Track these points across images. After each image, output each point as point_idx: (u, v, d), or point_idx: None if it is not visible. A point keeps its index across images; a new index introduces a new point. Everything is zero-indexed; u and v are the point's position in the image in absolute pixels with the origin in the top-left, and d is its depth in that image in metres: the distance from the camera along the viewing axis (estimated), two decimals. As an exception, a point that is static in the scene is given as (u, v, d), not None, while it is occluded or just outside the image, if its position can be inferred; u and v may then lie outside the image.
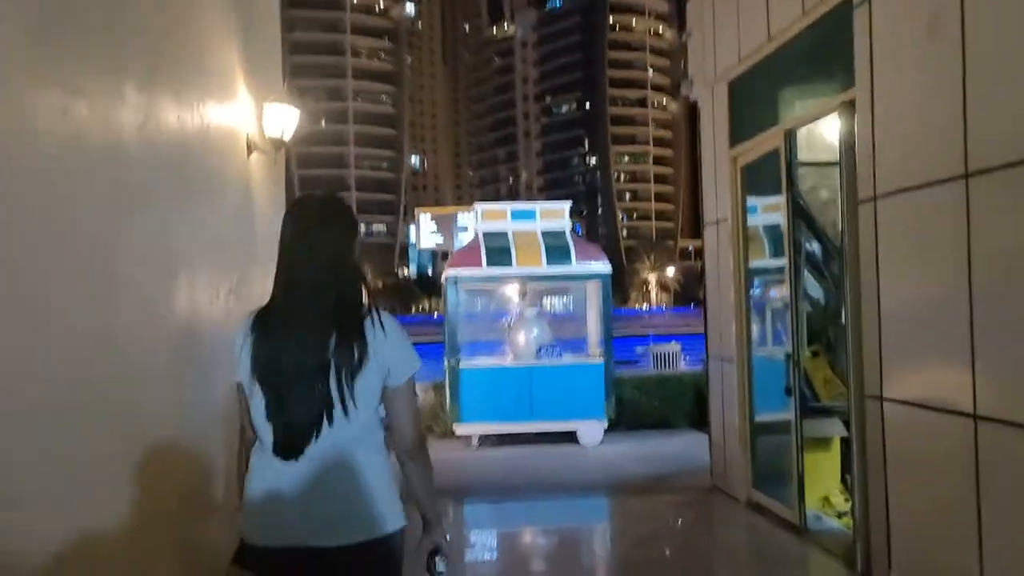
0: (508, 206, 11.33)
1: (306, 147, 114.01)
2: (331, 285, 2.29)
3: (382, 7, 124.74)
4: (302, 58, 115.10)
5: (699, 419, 11.13)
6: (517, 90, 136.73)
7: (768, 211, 6.73)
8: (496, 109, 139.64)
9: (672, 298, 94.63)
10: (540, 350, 10.65)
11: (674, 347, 18.83)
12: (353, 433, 2.27)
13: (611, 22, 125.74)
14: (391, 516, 2.33)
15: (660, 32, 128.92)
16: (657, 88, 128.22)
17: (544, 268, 10.57)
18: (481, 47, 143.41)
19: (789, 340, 5.94)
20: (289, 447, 2.26)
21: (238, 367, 2.34)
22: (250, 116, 5.75)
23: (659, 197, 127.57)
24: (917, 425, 4.28)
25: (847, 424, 5.43)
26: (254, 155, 5.79)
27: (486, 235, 10.79)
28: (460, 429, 10.35)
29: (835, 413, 5.88)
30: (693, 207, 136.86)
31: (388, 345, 2.29)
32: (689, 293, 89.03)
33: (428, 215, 28.05)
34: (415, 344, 2.42)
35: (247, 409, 2.35)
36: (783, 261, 6.04)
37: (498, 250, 10.54)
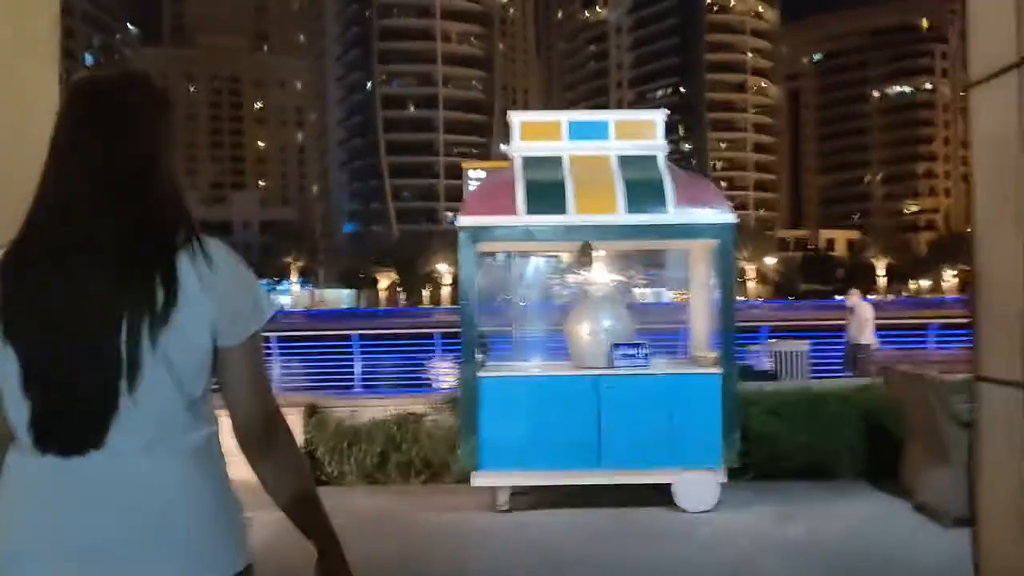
0: (564, 115, 6.98)
1: (395, 133, 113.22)
2: (127, 198, 1.48)
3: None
4: (392, 44, 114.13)
5: (873, 466, 7.03)
6: (611, 76, 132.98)
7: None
8: (590, 95, 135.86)
9: (772, 290, 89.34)
10: (615, 352, 6.46)
11: (800, 345, 14.40)
12: (162, 420, 1.46)
13: (709, 2, 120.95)
14: (226, 551, 1.49)
15: (760, 13, 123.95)
16: (757, 72, 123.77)
17: (622, 217, 6.31)
18: (574, 33, 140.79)
19: None
20: (60, 434, 1.42)
21: None
22: None
23: (758, 186, 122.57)
24: None
25: None
26: None
27: (528, 162, 6.56)
28: (479, 479, 6.30)
29: None
30: (794, 196, 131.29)
31: (219, 285, 1.48)
32: (790, 286, 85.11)
33: (479, 171, 22.95)
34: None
35: None
36: None
37: (546, 187, 6.33)
